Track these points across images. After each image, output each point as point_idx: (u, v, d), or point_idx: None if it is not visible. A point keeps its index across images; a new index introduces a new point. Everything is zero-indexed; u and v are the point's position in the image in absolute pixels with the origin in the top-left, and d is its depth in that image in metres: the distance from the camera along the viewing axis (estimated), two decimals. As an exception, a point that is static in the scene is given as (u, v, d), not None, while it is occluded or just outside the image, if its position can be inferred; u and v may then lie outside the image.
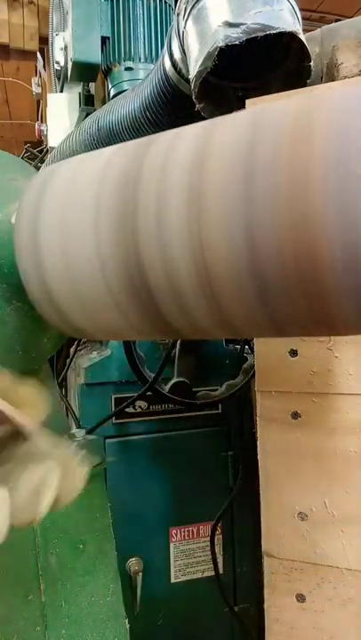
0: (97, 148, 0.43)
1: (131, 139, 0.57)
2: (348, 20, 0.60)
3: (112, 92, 1.16)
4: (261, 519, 0.54)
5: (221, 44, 0.54)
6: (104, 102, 1.21)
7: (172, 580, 0.87)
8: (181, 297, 0.27)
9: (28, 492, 0.23)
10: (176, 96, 0.75)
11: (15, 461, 0.26)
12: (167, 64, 0.72)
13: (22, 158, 1.80)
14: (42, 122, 2.01)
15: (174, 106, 0.77)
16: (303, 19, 0.60)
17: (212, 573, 0.87)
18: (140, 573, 0.83)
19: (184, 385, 0.84)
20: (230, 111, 0.30)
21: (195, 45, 0.59)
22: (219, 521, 0.86)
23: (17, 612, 0.44)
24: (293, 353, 0.51)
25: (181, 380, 0.84)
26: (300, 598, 0.52)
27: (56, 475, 0.24)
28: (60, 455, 0.26)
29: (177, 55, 0.68)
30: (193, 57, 0.60)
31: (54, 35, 1.26)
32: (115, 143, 0.37)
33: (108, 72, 1.17)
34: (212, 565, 0.86)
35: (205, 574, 0.88)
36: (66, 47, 1.20)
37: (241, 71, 0.65)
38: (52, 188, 0.32)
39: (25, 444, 0.27)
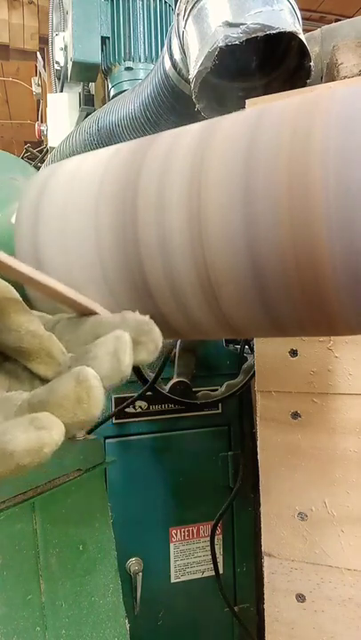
0: (97, 148, 0.43)
1: (131, 139, 0.56)
2: (349, 20, 0.60)
3: (112, 92, 1.16)
4: (261, 519, 0.54)
5: (221, 43, 0.54)
6: (104, 102, 1.21)
7: (172, 580, 0.87)
8: (182, 298, 0.27)
9: (109, 360, 0.24)
10: (176, 96, 0.75)
11: (86, 341, 0.27)
12: (167, 64, 0.72)
13: (22, 158, 1.80)
14: (42, 122, 2.01)
15: (174, 106, 0.77)
16: (303, 19, 0.60)
17: (212, 573, 0.86)
18: (140, 573, 0.83)
19: (184, 385, 0.84)
20: (230, 111, 0.30)
21: (195, 45, 0.59)
22: (219, 521, 0.86)
23: (17, 612, 0.44)
24: (293, 353, 0.51)
25: (181, 379, 0.84)
26: (300, 598, 0.52)
27: (127, 336, 0.25)
28: (131, 321, 0.27)
29: (177, 55, 0.68)
30: (193, 57, 0.60)
31: (54, 35, 1.26)
32: (115, 143, 0.37)
33: (108, 72, 1.17)
34: (212, 565, 0.86)
35: (205, 574, 0.88)
36: (66, 47, 1.20)
37: (241, 71, 0.65)
38: (52, 188, 0.32)
39: (89, 322, 0.28)
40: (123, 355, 0.24)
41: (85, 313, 0.29)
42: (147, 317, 0.27)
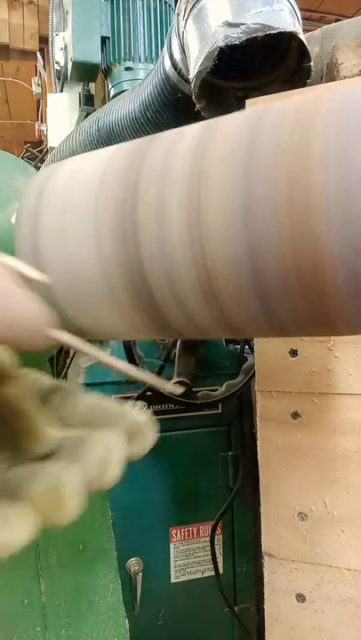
0: (97, 148, 0.43)
1: (131, 139, 0.56)
2: (348, 20, 0.60)
3: (112, 92, 1.16)
4: (261, 519, 0.54)
5: (221, 43, 0.54)
6: (104, 102, 1.21)
7: (172, 580, 0.87)
8: (182, 298, 0.27)
9: (95, 468, 0.24)
10: (176, 96, 0.75)
11: (82, 420, 0.27)
12: (167, 64, 0.72)
13: (22, 158, 1.80)
14: (42, 122, 2.01)
15: (174, 106, 0.77)
16: (303, 19, 0.60)
17: (212, 573, 0.87)
18: (140, 573, 0.83)
19: (184, 385, 0.84)
20: (230, 111, 0.30)
21: (195, 45, 0.59)
22: (219, 521, 0.86)
23: (17, 612, 0.44)
24: (293, 353, 0.51)
25: (181, 379, 0.84)
26: (300, 598, 0.52)
27: (118, 451, 0.24)
28: (130, 417, 0.27)
29: (177, 55, 0.68)
30: (193, 57, 0.60)
31: (54, 35, 1.26)
32: (115, 143, 0.37)
33: (108, 72, 1.17)
34: (212, 565, 0.86)
35: (205, 574, 0.88)
36: (66, 47, 1.20)
37: (241, 71, 0.65)
38: (52, 189, 0.32)
39: (86, 402, 0.28)
40: (108, 468, 0.24)
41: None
42: (147, 417, 0.27)
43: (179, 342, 0.85)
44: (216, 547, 0.87)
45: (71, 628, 0.48)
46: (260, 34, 0.53)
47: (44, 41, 2.48)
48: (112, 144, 0.33)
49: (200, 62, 0.57)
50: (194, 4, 0.60)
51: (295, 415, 0.51)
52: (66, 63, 1.20)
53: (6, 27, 2.54)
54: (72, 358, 0.95)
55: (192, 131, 0.28)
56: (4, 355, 0.27)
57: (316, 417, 0.50)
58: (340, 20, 0.63)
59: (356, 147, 0.22)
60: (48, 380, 0.30)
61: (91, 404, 0.28)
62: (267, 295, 0.25)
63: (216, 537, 0.88)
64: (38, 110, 2.52)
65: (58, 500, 0.22)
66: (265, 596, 0.54)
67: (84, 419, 0.27)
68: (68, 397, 0.29)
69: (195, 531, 0.88)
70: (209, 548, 0.86)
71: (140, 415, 0.27)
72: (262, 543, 0.54)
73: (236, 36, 0.54)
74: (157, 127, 0.82)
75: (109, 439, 0.25)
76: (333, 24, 0.61)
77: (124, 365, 0.29)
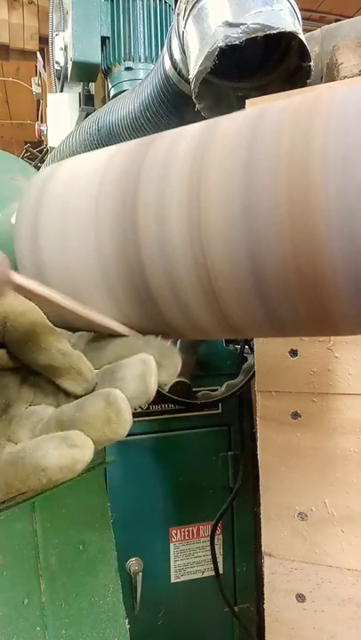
0: (97, 148, 0.43)
1: (131, 139, 0.56)
2: (349, 20, 0.60)
3: (112, 92, 1.16)
4: (261, 519, 0.54)
5: (221, 43, 0.54)
6: (104, 102, 1.21)
7: (172, 580, 0.87)
8: (182, 298, 0.27)
9: (136, 383, 0.25)
10: (176, 96, 0.75)
11: (109, 360, 0.28)
12: (167, 64, 0.72)
13: (22, 158, 1.80)
14: (42, 122, 2.01)
15: (174, 106, 0.77)
16: (303, 19, 0.60)
17: (212, 573, 0.86)
18: (140, 573, 0.83)
19: (184, 385, 0.84)
20: (230, 111, 0.30)
21: (195, 45, 0.59)
22: (219, 521, 0.86)
23: (17, 611, 0.44)
24: (293, 353, 0.51)
25: (181, 379, 0.84)
26: (300, 598, 0.52)
27: (153, 361, 0.26)
28: (154, 344, 0.28)
29: (177, 55, 0.68)
30: (193, 57, 0.60)
31: (54, 35, 1.26)
32: (115, 143, 0.37)
33: (108, 72, 1.17)
34: (212, 565, 0.86)
35: (205, 574, 0.88)
36: (66, 47, 1.20)
37: (241, 71, 0.65)
38: (52, 189, 0.31)
39: (112, 342, 0.29)
40: (149, 378, 0.25)
41: (108, 334, 0.29)
42: (168, 342, 0.28)
43: (179, 342, 0.85)
44: (216, 547, 0.87)
45: (71, 627, 0.48)
46: (260, 34, 0.53)
47: (44, 41, 2.48)
48: (112, 144, 0.33)
49: (200, 62, 0.57)
50: (194, 4, 0.60)
51: (295, 415, 0.51)
52: (66, 63, 1.20)
53: (6, 27, 2.54)
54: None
55: (192, 131, 0.28)
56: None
57: (316, 417, 0.50)
58: (340, 20, 0.63)
59: (356, 147, 0.22)
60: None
61: (115, 342, 0.29)
62: (267, 295, 0.25)
63: (216, 537, 0.88)
64: (38, 110, 2.52)
65: (112, 416, 0.23)
66: (265, 596, 0.54)
67: (112, 357, 0.28)
68: (93, 341, 0.30)
69: (195, 531, 0.88)
70: (209, 548, 0.86)
71: (163, 341, 0.28)
72: (262, 543, 0.54)
73: (236, 36, 0.54)
74: (157, 127, 0.82)
75: (142, 358, 0.26)
76: (333, 24, 0.61)
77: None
